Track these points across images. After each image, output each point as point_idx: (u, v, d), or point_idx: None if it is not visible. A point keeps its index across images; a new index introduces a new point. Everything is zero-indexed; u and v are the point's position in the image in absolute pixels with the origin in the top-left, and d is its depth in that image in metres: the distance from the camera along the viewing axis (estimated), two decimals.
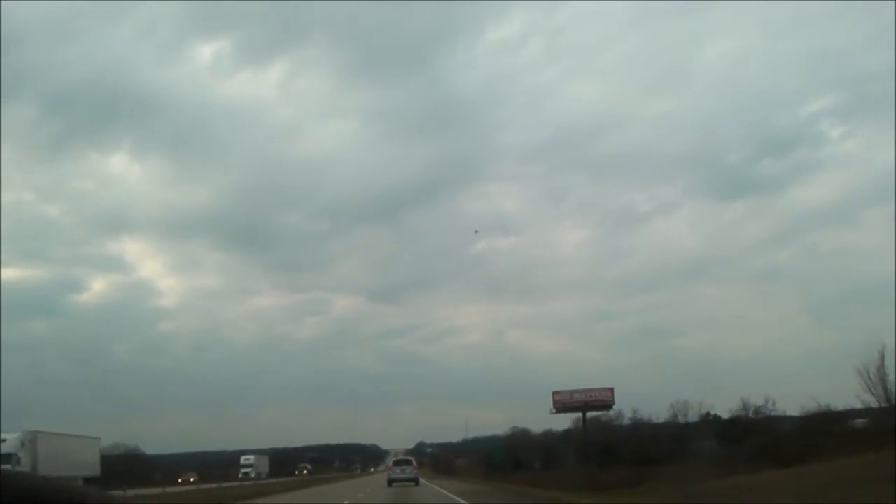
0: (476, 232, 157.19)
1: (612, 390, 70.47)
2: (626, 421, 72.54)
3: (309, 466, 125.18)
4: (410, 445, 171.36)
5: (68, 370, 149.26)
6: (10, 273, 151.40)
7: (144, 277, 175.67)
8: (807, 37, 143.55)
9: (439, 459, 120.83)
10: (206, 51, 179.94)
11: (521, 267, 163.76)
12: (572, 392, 70.90)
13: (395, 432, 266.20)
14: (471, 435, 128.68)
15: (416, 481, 45.82)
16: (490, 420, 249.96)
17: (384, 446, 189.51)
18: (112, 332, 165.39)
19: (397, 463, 50.38)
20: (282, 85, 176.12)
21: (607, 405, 71.22)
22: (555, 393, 71.02)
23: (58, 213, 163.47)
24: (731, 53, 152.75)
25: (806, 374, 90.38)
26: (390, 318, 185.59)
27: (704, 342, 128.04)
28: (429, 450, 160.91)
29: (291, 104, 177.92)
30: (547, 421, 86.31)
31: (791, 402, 61.32)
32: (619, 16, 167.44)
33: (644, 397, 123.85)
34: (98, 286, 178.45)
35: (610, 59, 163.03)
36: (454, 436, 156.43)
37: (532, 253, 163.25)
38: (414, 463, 51.18)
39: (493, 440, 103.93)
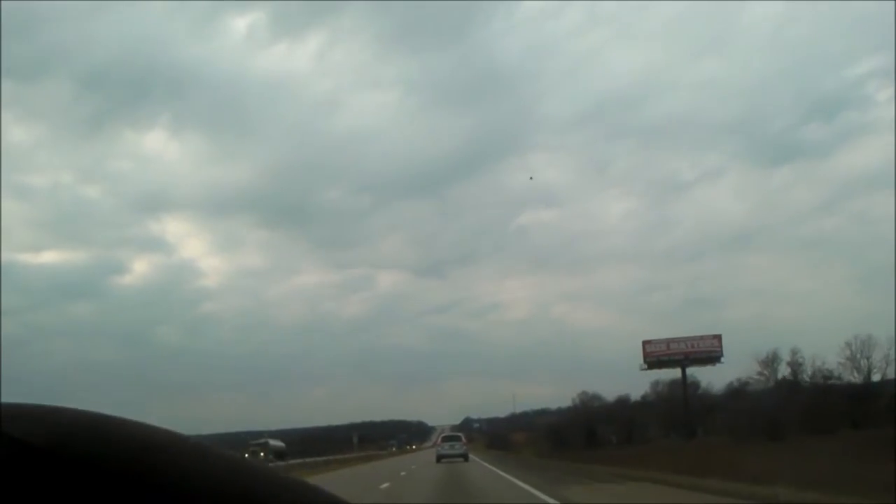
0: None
1: (719, 338, 54.93)
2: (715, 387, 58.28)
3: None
4: (457, 421, 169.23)
5: (111, 353, 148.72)
6: (51, 256, 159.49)
7: (186, 258, 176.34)
8: None
9: (494, 434, 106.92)
10: (240, 23, 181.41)
11: (565, 239, 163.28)
12: (668, 341, 55.49)
13: (441, 408, 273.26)
14: (519, 409, 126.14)
15: (465, 457, 44.36)
16: (538, 394, 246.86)
17: (430, 423, 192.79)
18: (155, 314, 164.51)
19: (446, 439, 49.08)
20: (318, 57, 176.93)
21: (713, 357, 55.63)
22: (645, 343, 55.86)
23: (97, 194, 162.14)
24: (776, 15, 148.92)
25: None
26: (435, 294, 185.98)
27: (751, 313, 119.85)
28: (476, 425, 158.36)
29: (329, 76, 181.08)
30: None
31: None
32: None
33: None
34: (140, 268, 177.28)
35: (653, 23, 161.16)
36: (501, 411, 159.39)
37: (576, 224, 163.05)
38: (463, 439, 49.81)
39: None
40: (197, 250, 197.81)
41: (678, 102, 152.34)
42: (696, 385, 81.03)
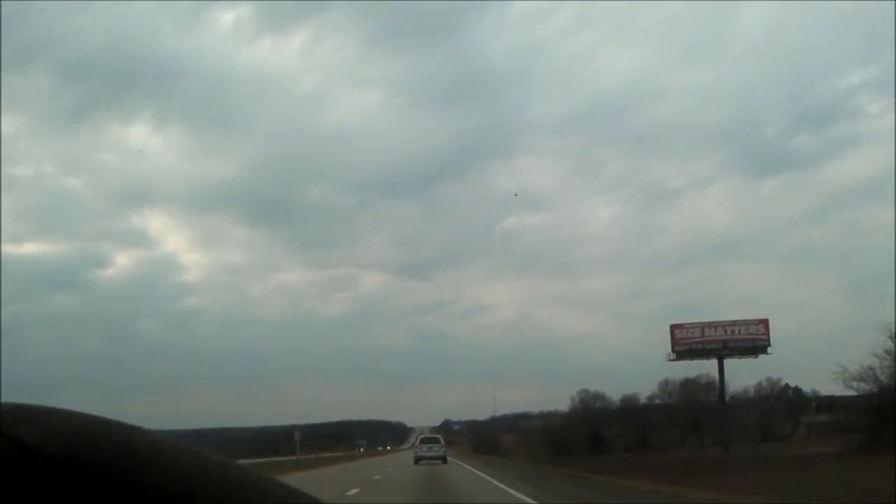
0: (516, 195, 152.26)
1: (765, 323, 44.42)
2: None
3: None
4: (437, 423, 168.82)
5: (93, 346, 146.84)
6: (32, 248, 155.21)
7: (168, 252, 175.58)
8: (847, 2, 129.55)
9: (480, 436, 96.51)
10: (226, 17, 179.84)
11: (552, 243, 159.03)
12: (703, 326, 44.96)
13: (420, 410, 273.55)
14: (499, 413, 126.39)
15: (444, 459, 43.45)
16: (518, 398, 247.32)
17: (410, 424, 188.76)
18: (136, 308, 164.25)
19: (424, 441, 48.06)
20: (305, 52, 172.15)
21: (758, 347, 45.23)
22: (675, 328, 45.39)
23: (79, 185, 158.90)
24: (769, 19, 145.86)
25: (842, 353, 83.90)
26: (418, 295, 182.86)
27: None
28: (456, 427, 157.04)
29: (315, 72, 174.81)
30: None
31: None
32: None
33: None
34: (122, 261, 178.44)
35: (644, 25, 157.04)
36: (481, 413, 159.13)
37: (563, 229, 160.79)
38: (442, 441, 48.56)
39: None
40: (179, 245, 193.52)
41: (668, 108, 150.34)
42: (709, 386, 71.03)
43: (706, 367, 49.44)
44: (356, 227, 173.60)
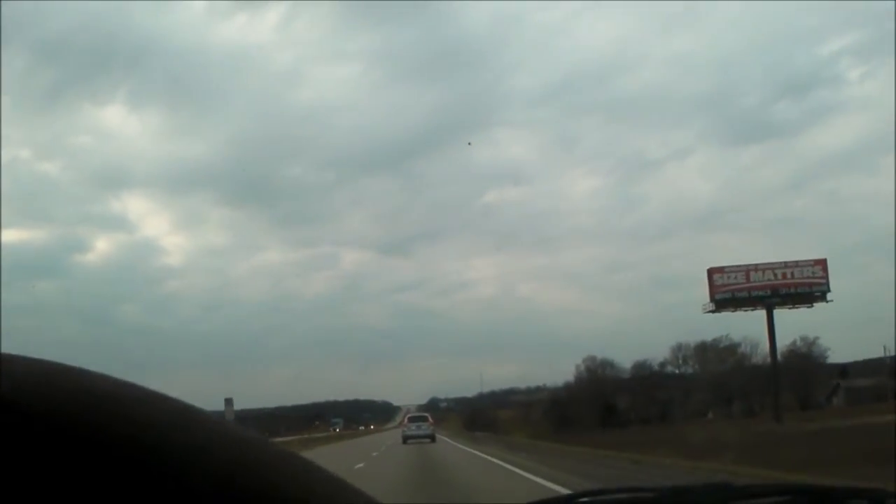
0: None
1: (823, 264, 36.16)
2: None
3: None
4: (423, 401, 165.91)
5: (75, 332, 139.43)
6: (11, 234, 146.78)
7: (149, 236, 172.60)
8: None
9: (473, 413, 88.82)
10: None
11: (532, 217, 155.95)
12: (748, 269, 36.63)
13: (407, 388, 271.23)
14: (486, 389, 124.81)
15: (432, 438, 41.42)
16: (505, 374, 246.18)
17: (396, 402, 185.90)
18: (118, 293, 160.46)
19: (412, 419, 46.69)
20: (279, 28, 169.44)
21: (815, 293, 37.00)
22: (713, 273, 37.04)
23: (56, 169, 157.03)
24: None
25: (825, 326, 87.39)
26: (400, 272, 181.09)
27: None
28: (443, 404, 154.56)
29: (290, 48, 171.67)
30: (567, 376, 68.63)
31: None
32: None
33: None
34: (102, 246, 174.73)
35: None
36: (468, 391, 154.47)
37: (543, 202, 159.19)
38: (430, 419, 46.86)
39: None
40: (159, 228, 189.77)
41: (647, 77, 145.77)
42: (728, 350, 63.48)
43: (751, 320, 41.61)
44: (336, 204, 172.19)
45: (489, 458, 23.45)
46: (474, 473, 17.51)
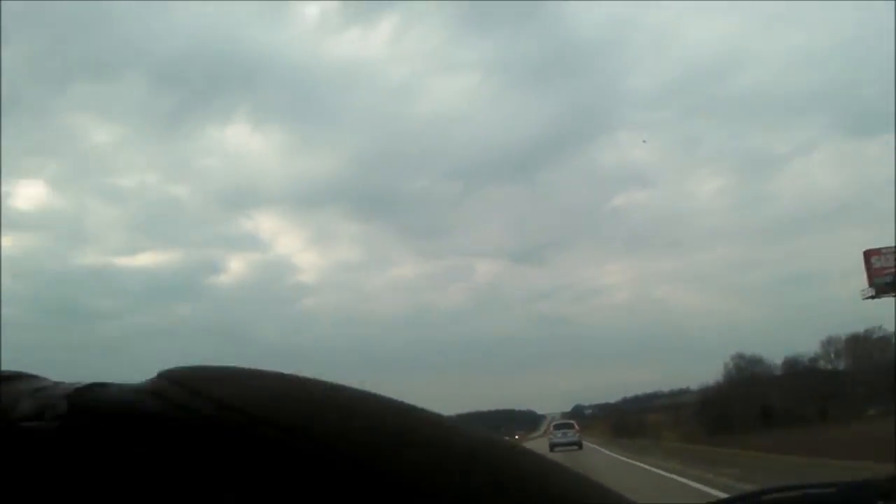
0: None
1: None
2: None
3: None
4: (567, 409, 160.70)
5: (212, 352, 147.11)
6: (148, 258, 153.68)
7: (281, 254, 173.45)
8: None
9: (620, 418, 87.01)
10: (310, 9, 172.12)
11: (661, 219, 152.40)
12: None
13: (550, 396, 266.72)
14: (630, 394, 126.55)
15: (579, 445, 41.15)
16: (646, 378, 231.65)
17: (540, 411, 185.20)
18: (254, 312, 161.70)
19: (558, 427, 46.71)
20: (393, 41, 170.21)
21: None
22: (870, 255, 34.45)
23: (185, 192, 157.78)
24: None
25: None
26: (534, 280, 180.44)
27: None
28: (588, 411, 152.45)
29: (405, 61, 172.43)
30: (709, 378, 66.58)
31: None
32: None
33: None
34: (236, 266, 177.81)
35: None
36: (612, 396, 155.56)
37: (671, 204, 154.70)
38: (576, 426, 46.84)
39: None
40: (291, 246, 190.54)
41: (765, 72, 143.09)
42: (882, 342, 59.23)
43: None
44: (465, 214, 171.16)
45: (656, 469, 22.13)
46: (648, 491, 16.26)
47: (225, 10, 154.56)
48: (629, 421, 78.27)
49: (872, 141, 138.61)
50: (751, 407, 54.92)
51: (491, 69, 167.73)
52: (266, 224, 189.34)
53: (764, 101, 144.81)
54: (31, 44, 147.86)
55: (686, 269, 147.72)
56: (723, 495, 7.73)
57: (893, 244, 36.07)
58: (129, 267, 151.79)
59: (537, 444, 58.63)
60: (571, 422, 50.77)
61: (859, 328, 56.93)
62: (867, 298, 36.16)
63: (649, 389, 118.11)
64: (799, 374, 59.33)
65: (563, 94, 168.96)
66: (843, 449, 18.91)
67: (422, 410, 0.52)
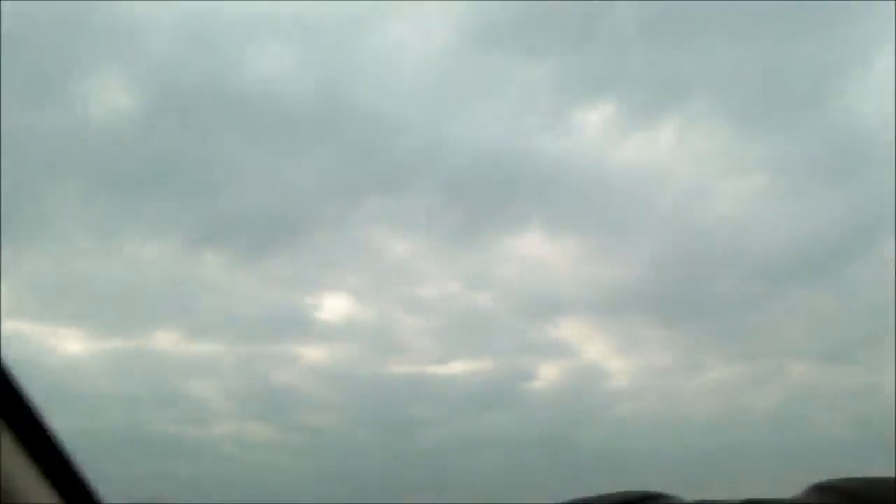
0: None
1: None
2: None
3: None
4: None
5: (535, 459, 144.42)
6: (458, 367, 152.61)
7: (591, 360, 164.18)
8: None
9: None
10: (592, 117, 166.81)
11: None
12: None
13: None
14: None
15: None
16: None
17: None
18: (571, 418, 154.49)
19: None
20: (677, 144, 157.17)
21: None
22: None
23: (488, 301, 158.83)
24: None
25: None
26: (847, 379, 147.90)
27: None
28: None
29: (692, 163, 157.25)
30: None
31: None
32: None
33: None
34: (547, 372, 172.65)
35: None
36: None
37: None
38: None
39: None
40: (599, 352, 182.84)
41: None
42: None
43: None
44: (769, 315, 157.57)
45: None
46: None
47: (508, 119, 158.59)
48: None
49: None
50: None
51: (778, 168, 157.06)
52: (571, 331, 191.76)
53: None
54: (330, 157, 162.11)
55: None
56: None
57: None
58: (441, 375, 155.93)
59: None
60: None
61: None
62: None
63: None
64: None
65: (850, 187, 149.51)
66: None
67: None
